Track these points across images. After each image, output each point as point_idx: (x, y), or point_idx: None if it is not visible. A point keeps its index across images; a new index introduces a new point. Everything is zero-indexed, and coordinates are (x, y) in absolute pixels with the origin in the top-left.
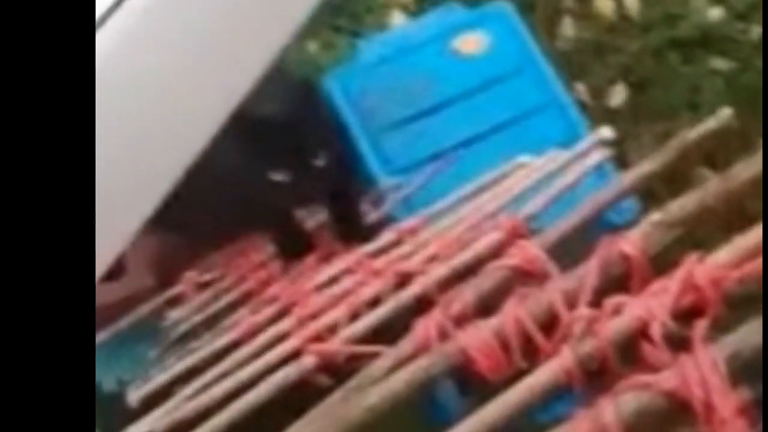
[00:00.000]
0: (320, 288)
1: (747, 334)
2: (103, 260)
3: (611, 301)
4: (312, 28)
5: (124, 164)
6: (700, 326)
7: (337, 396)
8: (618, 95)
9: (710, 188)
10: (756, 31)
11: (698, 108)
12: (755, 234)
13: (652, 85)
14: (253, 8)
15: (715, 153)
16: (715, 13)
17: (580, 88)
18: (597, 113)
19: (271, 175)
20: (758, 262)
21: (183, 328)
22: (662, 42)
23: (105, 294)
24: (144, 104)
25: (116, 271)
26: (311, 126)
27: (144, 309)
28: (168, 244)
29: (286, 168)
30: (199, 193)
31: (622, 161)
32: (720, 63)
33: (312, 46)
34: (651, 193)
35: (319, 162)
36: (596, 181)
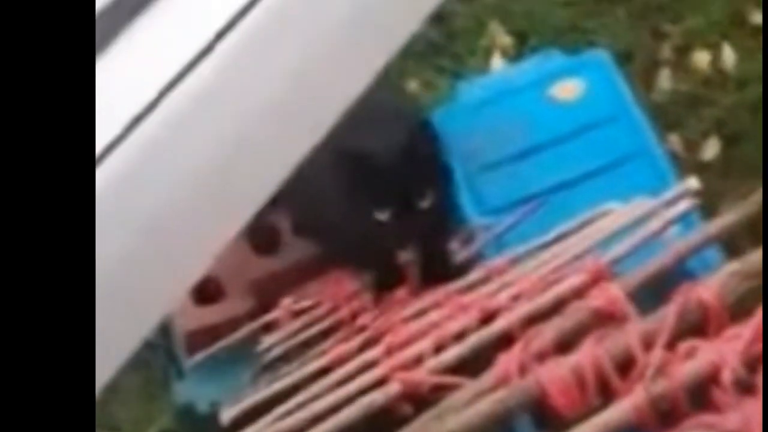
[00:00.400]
0: (408, 320)
1: None
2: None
3: (685, 345)
4: (414, 66)
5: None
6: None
7: (418, 423)
8: (711, 149)
9: None
10: None
11: None
12: None
13: (745, 139)
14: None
15: None
16: None
17: (674, 139)
18: (689, 165)
19: (376, 214)
20: None
21: (276, 352)
22: (757, 98)
23: (204, 316)
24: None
25: (216, 295)
26: (420, 166)
27: (240, 333)
28: (268, 270)
29: (390, 207)
30: (304, 225)
31: (711, 213)
32: None
33: (413, 85)
34: (734, 245)
35: (424, 203)
36: (682, 230)
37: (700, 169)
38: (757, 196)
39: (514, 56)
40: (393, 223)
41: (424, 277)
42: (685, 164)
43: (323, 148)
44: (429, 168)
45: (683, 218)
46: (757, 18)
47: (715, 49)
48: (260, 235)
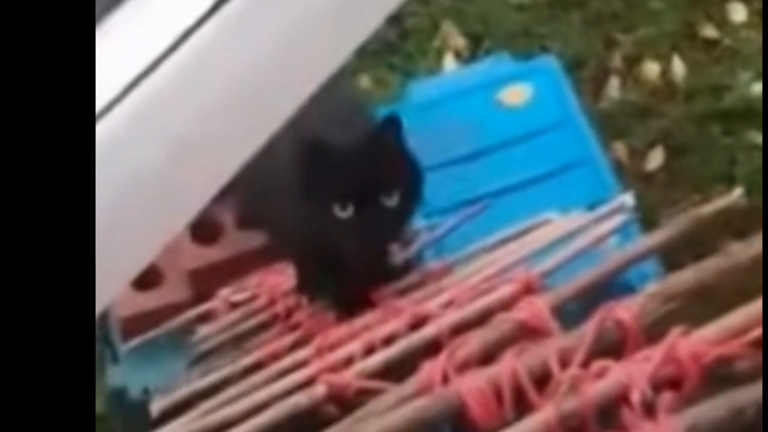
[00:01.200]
0: (341, 319)
1: (708, 409)
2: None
3: (597, 364)
4: (367, 63)
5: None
6: (667, 397)
7: (340, 426)
8: (655, 159)
9: (708, 265)
10: None
11: (734, 180)
12: (742, 314)
13: (691, 152)
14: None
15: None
16: (759, 87)
17: (619, 148)
18: (633, 175)
19: (336, 210)
20: (739, 343)
21: (210, 344)
22: (705, 111)
23: (140, 302)
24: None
25: (154, 281)
26: (387, 160)
27: (176, 321)
28: (207, 260)
29: (352, 203)
30: (254, 216)
31: (651, 225)
32: (760, 138)
33: (365, 81)
34: (673, 258)
35: (390, 201)
36: (621, 242)
37: (644, 179)
38: (698, 210)
39: (468, 58)
40: (354, 220)
41: (362, 275)
42: (630, 173)
43: (281, 136)
44: (396, 163)
45: (621, 231)
46: (708, 32)
47: (665, 60)
48: (201, 224)
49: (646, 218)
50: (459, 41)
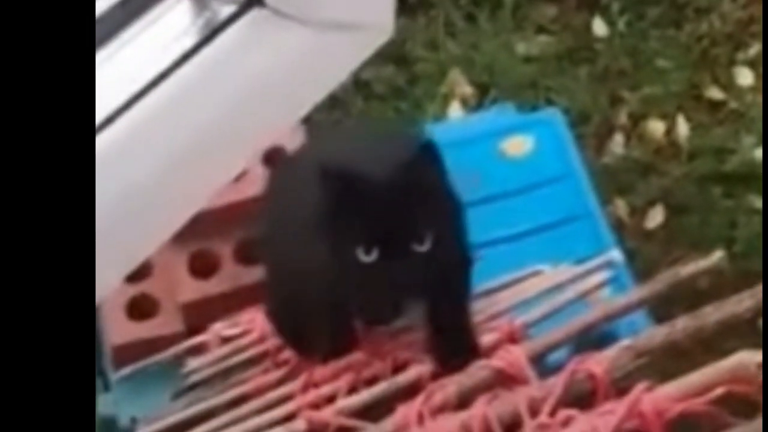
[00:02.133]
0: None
1: None
2: None
3: (563, 413)
4: (374, 106)
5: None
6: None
7: None
8: (656, 217)
9: (679, 325)
10: None
11: (733, 243)
12: (706, 372)
13: (691, 212)
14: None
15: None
16: (761, 152)
17: (620, 204)
18: (633, 232)
19: (359, 254)
20: (702, 400)
21: (199, 376)
22: (707, 172)
23: (134, 331)
24: None
25: (149, 312)
26: (422, 197)
27: (168, 352)
28: (202, 293)
29: (379, 247)
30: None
31: (647, 280)
32: (760, 202)
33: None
34: (663, 311)
35: (421, 246)
36: (615, 293)
37: (644, 236)
38: (690, 266)
39: (474, 106)
40: (379, 266)
41: (440, 354)
42: (629, 231)
43: (306, 165)
44: (432, 200)
45: (617, 286)
46: (713, 93)
47: (670, 119)
48: (199, 257)
49: (644, 275)
50: (466, 89)
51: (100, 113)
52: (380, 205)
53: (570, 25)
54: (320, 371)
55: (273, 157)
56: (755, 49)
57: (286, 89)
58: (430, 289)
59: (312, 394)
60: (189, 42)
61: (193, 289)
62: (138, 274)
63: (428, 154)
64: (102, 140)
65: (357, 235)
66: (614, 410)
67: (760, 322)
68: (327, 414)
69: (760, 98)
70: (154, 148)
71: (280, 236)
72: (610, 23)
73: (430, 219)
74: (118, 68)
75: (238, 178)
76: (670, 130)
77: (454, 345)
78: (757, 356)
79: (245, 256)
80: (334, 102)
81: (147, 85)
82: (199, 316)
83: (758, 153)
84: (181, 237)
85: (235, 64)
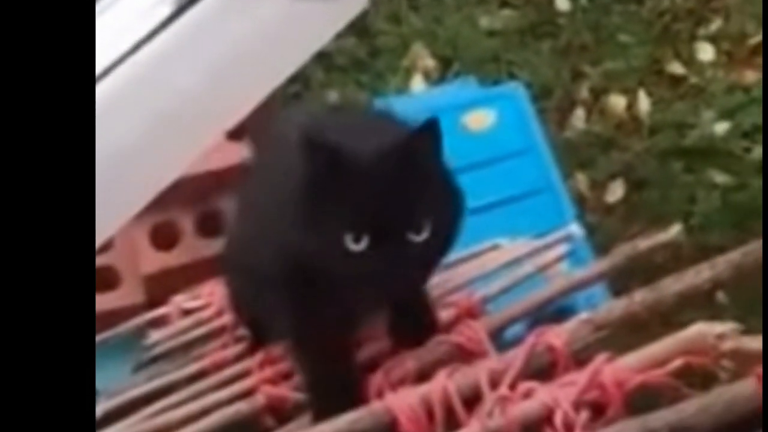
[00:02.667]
0: None
1: (621, 430)
2: None
3: (524, 385)
4: (336, 79)
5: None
6: (583, 416)
7: None
8: (616, 191)
9: (637, 297)
10: (758, 151)
11: (691, 217)
12: (665, 344)
13: (651, 187)
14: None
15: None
16: (722, 127)
17: (581, 179)
18: (593, 206)
19: (347, 242)
20: (662, 371)
21: (160, 349)
22: (667, 147)
23: (96, 303)
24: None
25: (110, 284)
26: (420, 181)
27: (129, 324)
28: (163, 265)
29: (370, 235)
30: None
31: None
32: (719, 177)
33: (332, 97)
34: (621, 284)
35: (419, 236)
36: (572, 267)
37: (604, 210)
38: (647, 240)
39: (437, 80)
40: (370, 256)
41: (398, 336)
42: (589, 205)
43: (289, 142)
44: (431, 185)
45: (575, 260)
46: (674, 68)
47: (631, 94)
48: (161, 229)
49: (603, 249)
50: (428, 62)
51: None
52: (374, 185)
53: (533, 0)
54: (276, 348)
55: (237, 132)
56: (716, 24)
57: (262, 58)
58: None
59: (269, 371)
60: (166, 10)
61: (154, 261)
62: (99, 247)
63: (430, 132)
64: None
65: (345, 219)
66: (575, 381)
67: (718, 294)
68: (284, 389)
69: (720, 73)
70: (132, 115)
71: (256, 216)
72: None
73: (429, 205)
74: (97, 35)
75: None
76: (631, 105)
77: (412, 322)
78: (715, 328)
79: (207, 228)
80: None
81: (124, 53)
82: (160, 287)
83: (718, 127)
84: (143, 209)
85: (212, 32)
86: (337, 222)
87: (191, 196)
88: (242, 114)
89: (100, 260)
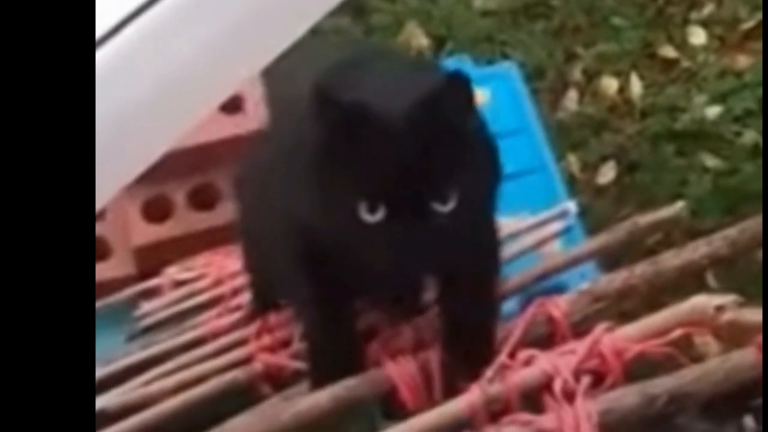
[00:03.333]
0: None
1: (621, 395)
2: None
3: (524, 353)
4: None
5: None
6: (584, 382)
7: (268, 403)
8: (607, 173)
9: (637, 270)
10: (750, 135)
11: (682, 200)
12: (663, 315)
13: (643, 170)
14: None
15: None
16: (714, 111)
17: (572, 160)
18: (584, 187)
19: (361, 211)
20: (659, 342)
21: (152, 319)
22: (659, 130)
23: None
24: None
25: (101, 255)
26: (447, 142)
27: (121, 295)
28: (155, 237)
29: (387, 204)
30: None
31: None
32: (711, 161)
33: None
34: (612, 262)
35: (444, 206)
36: (566, 248)
37: (595, 192)
38: (636, 219)
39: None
40: (385, 229)
41: (455, 358)
42: (581, 186)
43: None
44: (460, 146)
45: (568, 238)
46: (667, 51)
47: (623, 77)
48: (153, 201)
49: (594, 231)
50: (422, 41)
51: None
52: (392, 147)
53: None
54: (274, 317)
55: (230, 105)
56: (709, 9)
57: (256, 34)
58: (448, 266)
59: (266, 339)
60: None
61: (146, 233)
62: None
63: (458, 86)
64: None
65: (358, 186)
66: (575, 350)
67: (713, 270)
68: (282, 357)
69: (712, 57)
70: (142, 74)
71: (267, 184)
72: None
73: (456, 171)
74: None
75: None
76: (623, 88)
77: (472, 352)
78: (714, 300)
79: (199, 201)
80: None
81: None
82: (151, 259)
83: (710, 111)
84: (134, 182)
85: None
86: (350, 190)
87: (184, 170)
88: (234, 88)
89: None
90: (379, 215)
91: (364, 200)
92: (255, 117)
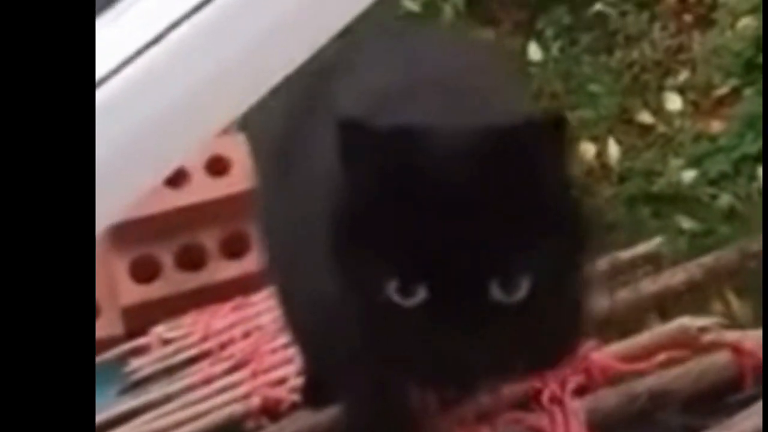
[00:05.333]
0: (276, 350)
1: (605, 395)
2: None
3: None
4: None
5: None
6: (571, 382)
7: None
8: None
9: (619, 297)
10: (725, 198)
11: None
12: (649, 335)
13: (619, 232)
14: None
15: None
16: (689, 175)
17: None
18: None
19: (389, 290)
20: (645, 365)
21: (143, 373)
22: (636, 193)
23: None
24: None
25: None
26: (524, 207)
27: (110, 353)
28: (142, 297)
29: (427, 286)
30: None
31: None
32: (686, 223)
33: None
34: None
35: (513, 294)
36: None
37: None
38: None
39: None
40: (420, 317)
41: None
42: None
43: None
44: (541, 211)
45: None
46: (643, 117)
47: (601, 142)
48: (141, 262)
49: None
50: None
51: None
52: (441, 201)
53: (506, 48)
54: (268, 360)
55: (214, 165)
56: (684, 75)
57: (302, 25)
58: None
59: (262, 379)
60: None
61: (134, 293)
62: None
63: (551, 128)
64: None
65: (389, 256)
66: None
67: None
68: (281, 391)
69: (687, 123)
70: (175, 82)
71: (281, 242)
72: (545, 48)
73: (533, 247)
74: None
75: (180, 185)
76: (601, 153)
77: None
78: (697, 321)
79: (186, 262)
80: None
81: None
82: (139, 319)
83: (685, 175)
84: (123, 242)
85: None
86: (376, 259)
87: (170, 230)
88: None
89: None
90: (418, 297)
91: (393, 278)
92: (241, 179)
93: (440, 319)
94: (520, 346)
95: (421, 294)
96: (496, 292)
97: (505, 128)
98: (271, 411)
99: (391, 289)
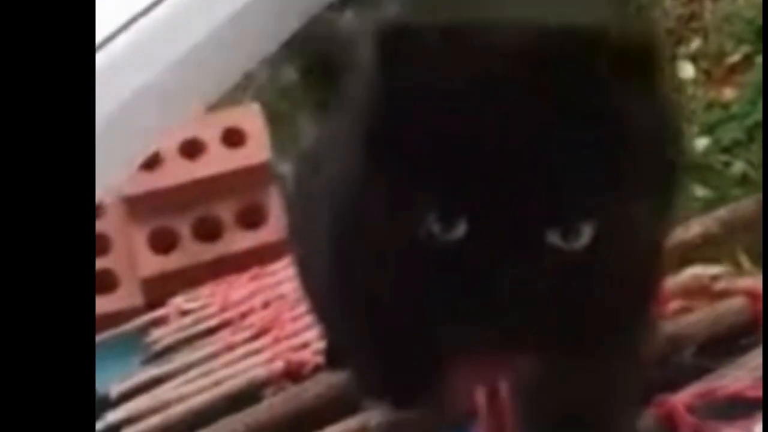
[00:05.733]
0: (297, 318)
1: None
2: None
3: None
4: None
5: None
6: None
7: (286, 393)
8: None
9: None
10: (738, 165)
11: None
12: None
13: None
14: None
15: None
16: (702, 143)
17: None
18: None
19: (430, 223)
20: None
21: (165, 343)
22: None
23: (96, 306)
24: None
25: (110, 286)
26: (597, 141)
27: (130, 324)
28: (161, 268)
29: (468, 219)
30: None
31: None
32: (700, 190)
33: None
34: None
35: (571, 244)
36: None
37: None
38: None
39: None
40: (462, 250)
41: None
42: None
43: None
44: (619, 148)
45: None
46: None
47: None
48: (159, 233)
49: None
50: None
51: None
52: (488, 126)
53: None
54: (290, 327)
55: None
56: (696, 43)
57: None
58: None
59: (285, 344)
60: None
61: (152, 264)
62: (99, 250)
63: (635, 46)
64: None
65: (430, 185)
66: None
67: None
68: (305, 354)
69: (700, 91)
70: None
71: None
72: None
73: (602, 188)
74: None
75: (196, 158)
76: None
77: None
78: (709, 270)
79: (203, 233)
80: None
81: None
82: (158, 290)
83: (698, 143)
84: (141, 214)
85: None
86: (417, 191)
87: (187, 202)
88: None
89: (98, 264)
90: (458, 231)
91: (435, 210)
92: (258, 150)
93: (488, 253)
94: (584, 297)
95: (461, 227)
96: (552, 237)
97: (586, 34)
98: (294, 374)
99: (432, 218)
